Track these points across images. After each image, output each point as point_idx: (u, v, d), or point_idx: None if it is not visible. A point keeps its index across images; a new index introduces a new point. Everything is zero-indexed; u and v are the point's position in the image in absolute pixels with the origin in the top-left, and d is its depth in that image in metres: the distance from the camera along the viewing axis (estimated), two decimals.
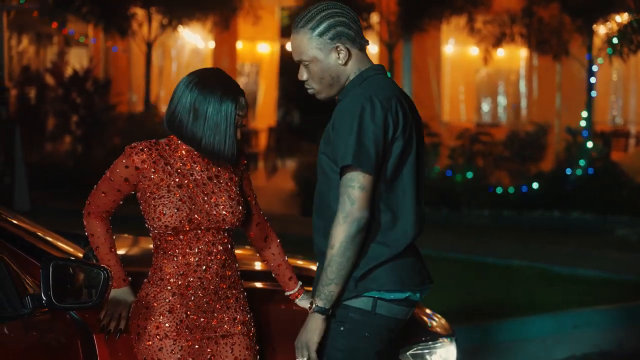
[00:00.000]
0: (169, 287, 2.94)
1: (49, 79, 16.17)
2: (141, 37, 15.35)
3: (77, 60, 17.96)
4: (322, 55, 2.93)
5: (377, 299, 2.88)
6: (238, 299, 3.02)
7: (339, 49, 2.92)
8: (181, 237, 2.93)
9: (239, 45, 19.42)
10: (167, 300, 2.93)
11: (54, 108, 15.55)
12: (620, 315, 7.14)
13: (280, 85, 20.82)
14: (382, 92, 2.87)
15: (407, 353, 3.31)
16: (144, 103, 15.77)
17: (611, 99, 16.97)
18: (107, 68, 18.11)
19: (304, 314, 3.03)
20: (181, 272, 2.93)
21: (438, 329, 3.51)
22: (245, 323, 3.02)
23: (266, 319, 3.20)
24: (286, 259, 3.24)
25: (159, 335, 2.91)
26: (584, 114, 13.32)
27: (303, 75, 2.98)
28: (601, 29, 13.44)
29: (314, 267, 3.70)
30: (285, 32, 19.59)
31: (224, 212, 2.96)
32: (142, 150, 2.94)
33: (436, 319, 3.61)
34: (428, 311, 3.65)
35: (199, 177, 2.98)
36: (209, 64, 18.56)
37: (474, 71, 17.79)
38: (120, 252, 3.18)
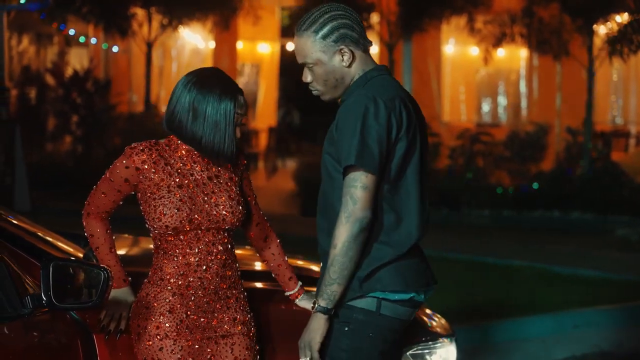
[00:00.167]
0: (169, 287, 2.94)
1: (50, 79, 16.18)
2: (141, 37, 15.36)
3: (77, 60, 17.97)
4: (326, 58, 2.93)
5: (382, 299, 2.88)
6: (238, 299, 3.03)
7: (342, 51, 2.92)
8: (181, 237, 2.93)
9: (239, 45, 19.43)
10: (167, 300, 2.93)
11: (55, 108, 15.56)
12: (621, 315, 7.15)
13: (280, 86, 20.83)
14: (386, 93, 2.87)
15: (407, 353, 3.31)
16: (144, 103, 15.78)
17: (611, 99, 16.97)
18: (107, 68, 18.11)
19: (304, 314, 3.03)
20: (181, 272, 2.94)
21: (438, 329, 3.51)
22: (245, 323, 3.02)
23: (266, 319, 3.20)
24: (286, 259, 3.24)
25: (159, 335, 2.91)
26: (584, 114, 13.32)
27: (307, 77, 2.98)
28: (601, 29, 13.44)
29: (314, 268, 3.70)
30: (286, 32, 19.59)
31: (224, 212, 2.96)
32: (142, 150, 2.94)
33: (436, 319, 3.61)
34: (428, 311, 3.65)
35: (199, 177, 2.98)
36: (209, 64, 18.57)
37: (474, 71, 17.80)
38: (121, 252, 3.19)
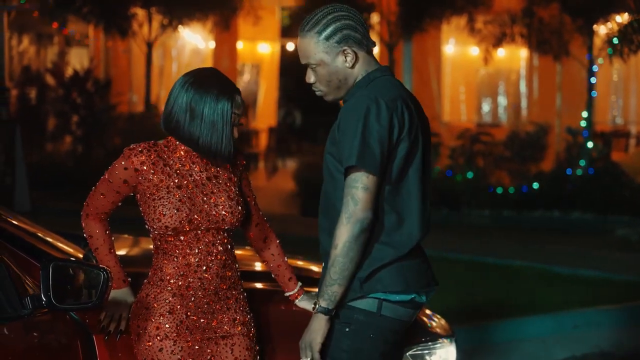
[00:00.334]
0: (169, 288, 2.94)
1: (50, 79, 16.17)
2: (141, 37, 15.36)
3: (77, 60, 17.96)
4: (329, 59, 2.92)
5: (383, 300, 2.88)
6: (238, 299, 3.03)
7: (345, 52, 2.92)
8: (181, 237, 2.93)
9: (240, 45, 19.42)
10: (167, 301, 2.93)
11: (55, 108, 15.55)
12: (621, 315, 7.14)
13: (280, 86, 20.83)
14: (388, 93, 2.87)
15: (407, 354, 3.31)
16: (145, 103, 15.78)
17: (611, 99, 16.96)
18: (107, 68, 18.11)
19: (304, 315, 3.03)
20: (181, 273, 2.94)
21: (438, 330, 3.51)
22: (245, 324, 3.02)
23: (266, 319, 3.20)
24: (286, 259, 3.24)
25: (159, 336, 2.91)
26: (584, 114, 13.32)
27: (310, 78, 2.98)
28: (601, 29, 13.44)
29: (314, 268, 3.70)
30: (286, 32, 19.61)
31: (223, 212, 2.96)
32: (140, 151, 2.94)
33: (436, 319, 3.61)
34: (428, 312, 3.64)
35: (198, 178, 2.99)
36: (209, 64, 18.56)
37: (475, 71, 17.79)
38: (121, 252, 3.19)
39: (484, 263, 8.96)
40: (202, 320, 2.95)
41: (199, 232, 2.94)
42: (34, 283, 2.89)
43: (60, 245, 3.46)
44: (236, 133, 2.96)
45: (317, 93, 3.02)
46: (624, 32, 11.77)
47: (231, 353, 2.98)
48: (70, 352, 2.91)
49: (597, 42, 13.19)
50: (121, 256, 3.09)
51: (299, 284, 3.24)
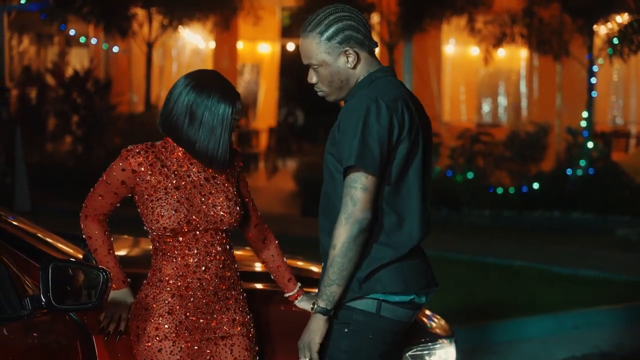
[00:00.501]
0: (168, 289, 2.94)
1: (50, 79, 16.18)
2: (142, 37, 15.36)
3: (77, 60, 17.97)
4: (331, 59, 2.92)
5: (382, 301, 2.88)
6: (237, 300, 3.03)
7: (347, 53, 2.92)
8: (180, 238, 2.93)
9: (240, 45, 19.42)
10: (166, 301, 2.93)
11: (55, 108, 15.55)
12: (620, 315, 7.14)
13: (280, 86, 20.84)
14: (389, 94, 2.87)
15: (407, 354, 3.31)
16: (145, 103, 15.79)
17: (611, 99, 16.97)
18: (107, 68, 18.11)
19: (303, 315, 3.03)
20: (180, 274, 2.94)
21: (437, 330, 3.51)
22: (244, 324, 3.02)
23: (266, 320, 3.20)
24: (285, 260, 3.24)
25: (158, 336, 2.91)
26: (585, 114, 13.32)
27: (312, 78, 2.98)
28: (602, 29, 13.44)
29: (314, 268, 3.70)
30: (286, 33, 19.62)
31: (221, 213, 2.96)
32: (138, 153, 2.94)
33: (435, 320, 3.61)
34: (427, 312, 3.64)
35: (195, 179, 2.98)
36: (209, 64, 18.57)
37: (475, 71, 17.80)
38: (120, 253, 3.19)
39: (484, 263, 8.97)
40: (201, 321, 2.95)
41: (198, 232, 2.94)
42: (34, 283, 2.89)
43: (59, 245, 3.46)
44: (234, 137, 2.96)
45: (319, 93, 3.02)
46: (624, 32, 11.77)
47: (230, 353, 2.98)
48: (70, 353, 2.91)
49: (597, 42, 13.19)
50: (120, 257, 3.09)
51: (299, 284, 3.24)
